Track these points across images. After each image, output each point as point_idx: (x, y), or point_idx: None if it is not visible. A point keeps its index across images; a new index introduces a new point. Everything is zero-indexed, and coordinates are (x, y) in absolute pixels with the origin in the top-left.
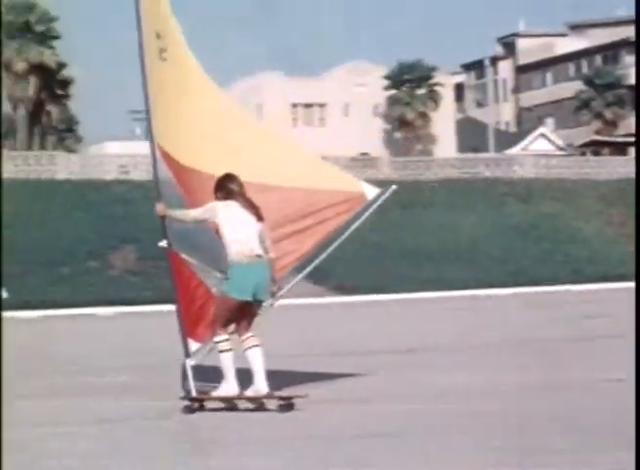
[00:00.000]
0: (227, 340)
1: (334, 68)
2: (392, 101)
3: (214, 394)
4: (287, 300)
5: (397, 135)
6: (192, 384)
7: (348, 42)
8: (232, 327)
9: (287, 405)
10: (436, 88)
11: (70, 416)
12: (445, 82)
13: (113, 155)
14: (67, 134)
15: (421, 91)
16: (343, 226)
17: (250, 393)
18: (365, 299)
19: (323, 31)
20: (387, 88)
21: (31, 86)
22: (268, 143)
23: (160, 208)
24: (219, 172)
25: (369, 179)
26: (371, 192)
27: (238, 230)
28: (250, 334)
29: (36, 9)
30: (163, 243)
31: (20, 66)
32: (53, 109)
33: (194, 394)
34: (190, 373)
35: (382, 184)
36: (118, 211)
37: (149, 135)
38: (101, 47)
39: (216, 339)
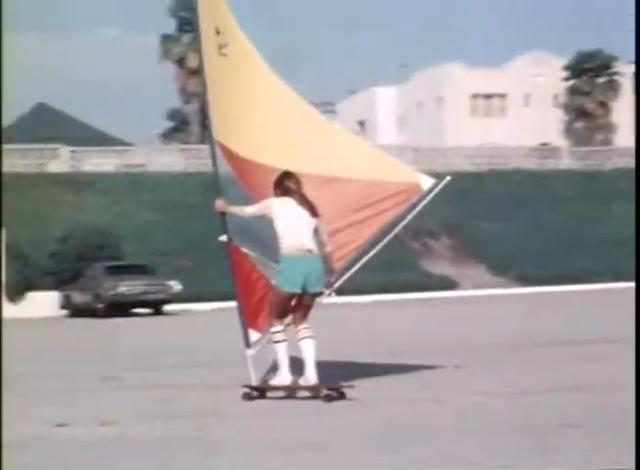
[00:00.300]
0: (281, 331)
1: (514, 58)
2: (572, 91)
3: (270, 383)
4: (470, 291)
5: (577, 125)
6: (252, 373)
7: (529, 32)
8: (288, 319)
9: (335, 396)
10: (616, 77)
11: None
12: (625, 71)
13: None
14: None
15: (601, 80)
16: (400, 216)
17: (301, 382)
18: (550, 289)
19: (503, 22)
20: (566, 78)
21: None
22: (329, 136)
23: (219, 204)
24: (282, 166)
25: (550, 170)
26: (427, 182)
27: (291, 225)
28: (304, 325)
29: None
30: (223, 237)
31: (193, 61)
32: None
33: (253, 383)
34: (250, 362)
35: (563, 174)
36: None
37: (208, 131)
38: (275, 40)
39: (272, 330)
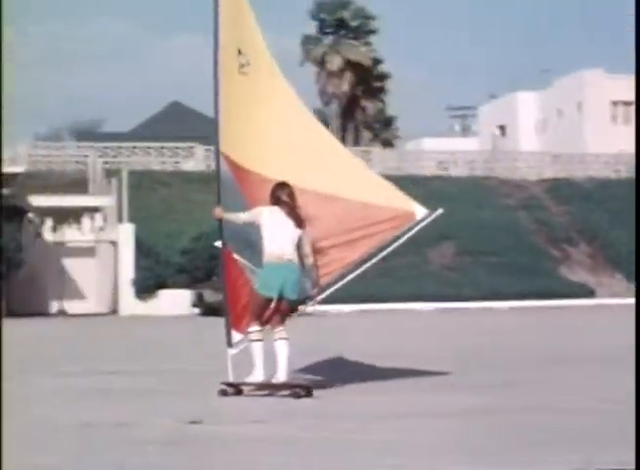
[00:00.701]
0: (258, 331)
1: None
2: None
3: (245, 380)
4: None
5: None
6: (230, 371)
7: None
8: (268, 321)
9: (299, 394)
10: None
11: (409, 409)
12: None
13: (431, 151)
14: (382, 130)
15: None
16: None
17: (273, 380)
18: None
19: None
20: None
21: (345, 82)
22: (334, 156)
23: (217, 211)
24: (285, 179)
25: None
26: (420, 212)
27: (275, 234)
28: (280, 328)
29: (351, 5)
30: (218, 243)
31: (334, 62)
32: (368, 104)
33: (230, 379)
34: (229, 361)
35: None
36: (437, 206)
37: (215, 144)
38: (417, 42)
39: (249, 329)
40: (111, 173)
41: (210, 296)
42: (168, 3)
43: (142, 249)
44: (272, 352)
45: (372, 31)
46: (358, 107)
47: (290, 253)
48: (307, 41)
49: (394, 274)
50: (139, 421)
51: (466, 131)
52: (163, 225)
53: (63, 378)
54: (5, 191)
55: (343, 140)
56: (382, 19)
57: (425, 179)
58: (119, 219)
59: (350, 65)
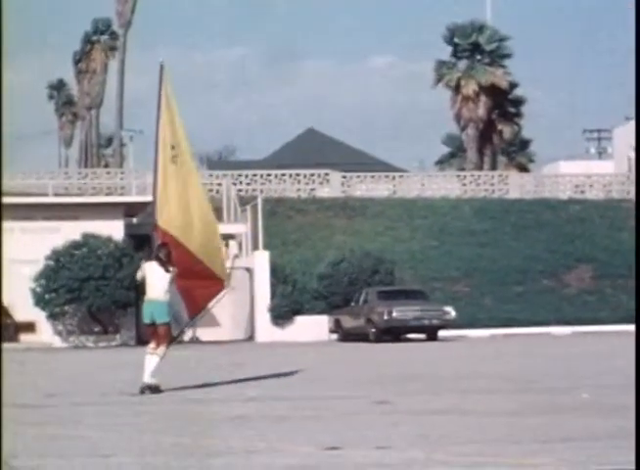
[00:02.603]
0: (152, 347)
1: None
2: None
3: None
4: None
5: None
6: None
7: None
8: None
9: (149, 392)
10: None
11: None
12: None
13: (567, 174)
14: (518, 154)
15: None
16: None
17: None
18: None
19: None
20: None
21: (481, 107)
22: (204, 218)
23: (138, 273)
24: (175, 233)
25: None
26: (226, 285)
27: (149, 281)
28: (153, 345)
29: (486, 29)
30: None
31: (469, 87)
32: (504, 129)
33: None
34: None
35: None
36: (574, 230)
37: (153, 214)
38: (555, 64)
39: (148, 346)
40: (245, 201)
41: (349, 321)
42: (296, 29)
43: (278, 275)
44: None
45: (507, 55)
46: (495, 131)
47: (157, 292)
48: (441, 66)
49: (532, 298)
50: (276, 448)
51: (602, 154)
52: (299, 251)
53: (195, 404)
54: (135, 220)
55: (481, 165)
56: (518, 42)
57: (562, 203)
58: (255, 246)
59: (486, 89)
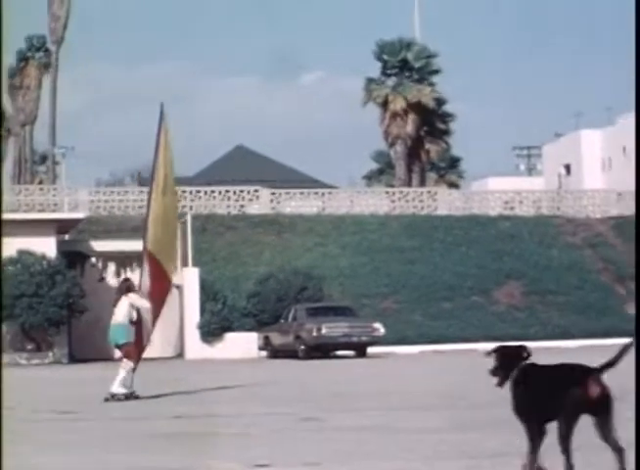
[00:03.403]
0: (122, 362)
1: None
2: None
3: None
4: None
5: None
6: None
7: None
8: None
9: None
10: None
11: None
12: None
13: (497, 190)
14: (447, 171)
15: None
16: None
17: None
18: None
19: None
20: None
21: (409, 123)
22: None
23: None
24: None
25: None
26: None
27: (117, 309)
28: (124, 360)
29: (414, 46)
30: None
31: (397, 104)
32: (432, 146)
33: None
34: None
35: None
36: (503, 246)
37: (143, 242)
38: (484, 81)
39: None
40: None
41: (278, 338)
42: (225, 45)
43: (207, 292)
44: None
45: (436, 71)
46: (423, 148)
47: (117, 317)
48: (370, 83)
49: (461, 315)
50: (202, 465)
51: (531, 170)
52: (229, 269)
53: (124, 421)
54: (67, 236)
55: (409, 181)
56: (446, 58)
57: (491, 219)
58: (184, 263)
59: (414, 106)
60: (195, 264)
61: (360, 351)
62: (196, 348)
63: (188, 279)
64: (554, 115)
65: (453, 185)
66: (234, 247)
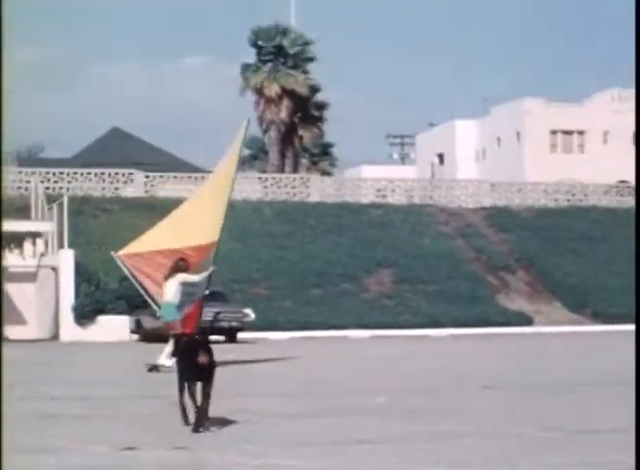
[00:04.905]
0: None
1: (594, 94)
2: None
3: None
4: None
5: None
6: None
7: (609, 68)
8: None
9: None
10: None
11: (330, 436)
12: None
13: (369, 178)
14: (321, 158)
15: None
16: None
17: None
18: (625, 328)
19: (584, 58)
20: None
21: (283, 110)
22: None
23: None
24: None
25: (627, 208)
26: None
27: (166, 288)
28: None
29: (290, 32)
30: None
31: (272, 90)
32: (306, 132)
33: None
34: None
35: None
36: (375, 234)
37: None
38: (360, 69)
39: None
40: (52, 199)
41: (149, 322)
42: (108, 29)
43: (82, 275)
44: None
45: (311, 59)
46: (296, 134)
47: (169, 297)
48: (246, 69)
49: (332, 302)
50: (73, 448)
51: (405, 159)
52: (104, 251)
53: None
54: None
55: (282, 167)
56: (322, 46)
57: (363, 207)
58: (60, 245)
59: (288, 92)
60: (70, 246)
61: (230, 336)
62: (70, 330)
63: (63, 261)
64: (429, 104)
65: (326, 173)
66: (108, 229)
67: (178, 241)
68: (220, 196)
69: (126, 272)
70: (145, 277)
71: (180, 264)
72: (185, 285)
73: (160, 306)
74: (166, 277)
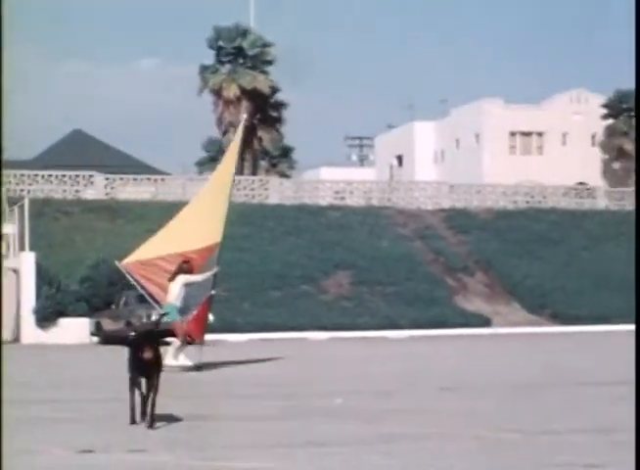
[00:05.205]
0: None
1: (553, 96)
2: (610, 130)
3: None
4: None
5: (616, 165)
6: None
7: (568, 70)
8: None
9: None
10: None
11: (284, 438)
12: None
13: (328, 180)
14: (280, 160)
15: None
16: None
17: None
18: (584, 329)
19: (542, 59)
20: (604, 117)
21: (243, 111)
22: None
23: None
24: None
25: (586, 209)
26: None
27: (170, 289)
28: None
29: (249, 34)
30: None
31: (231, 91)
32: (264, 134)
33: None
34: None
35: (599, 215)
36: (333, 236)
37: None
38: (318, 70)
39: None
40: (13, 201)
41: (109, 324)
42: (63, 29)
43: (43, 277)
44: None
45: (270, 61)
46: (255, 136)
47: (171, 299)
48: (205, 69)
49: (290, 303)
50: (33, 450)
51: (363, 161)
52: (64, 253)
53: None
54: None
55: (241, 170)
56: (281, 47)
57: (322, 209)
58: (22, 247)
59: (247, 93)
60: (31, 249)
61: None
62: (31, 332)
63: (25, 263)
64: (388, 106)
65: (285, 175)
66: (69, 232)
67: (181, 245)
68: (221, 196)
69: (133, 282)
70: (153, 285)
71: (183, 267)
72: (189, 286)
73: (165, 309)
74: (170, 280)
